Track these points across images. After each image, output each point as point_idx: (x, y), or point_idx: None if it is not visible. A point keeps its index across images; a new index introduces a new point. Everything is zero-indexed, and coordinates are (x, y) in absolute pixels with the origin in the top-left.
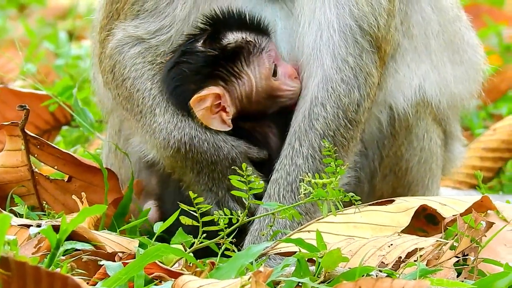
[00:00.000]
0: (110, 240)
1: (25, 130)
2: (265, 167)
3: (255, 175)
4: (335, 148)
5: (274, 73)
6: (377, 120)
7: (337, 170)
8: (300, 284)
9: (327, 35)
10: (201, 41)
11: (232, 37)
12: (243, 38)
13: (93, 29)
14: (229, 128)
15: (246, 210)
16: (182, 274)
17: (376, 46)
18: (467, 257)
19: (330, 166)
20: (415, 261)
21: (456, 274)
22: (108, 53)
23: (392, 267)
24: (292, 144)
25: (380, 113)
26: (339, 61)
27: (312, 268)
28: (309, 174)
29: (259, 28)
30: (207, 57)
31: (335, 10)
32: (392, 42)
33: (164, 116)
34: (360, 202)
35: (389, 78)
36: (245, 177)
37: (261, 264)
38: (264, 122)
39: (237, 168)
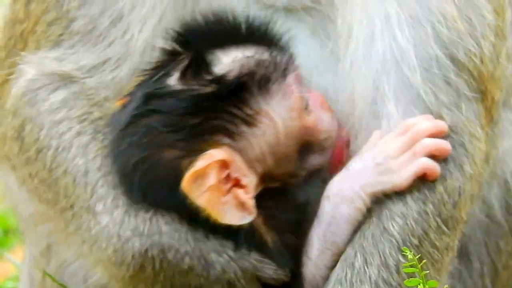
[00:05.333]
0: None
1: None
2: None
3: None
4: (422, 263)
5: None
6: (484, 203)
7: None
8: None
9: (399, 74)
10: (177, 75)
11: (230, 59)
12: (248, 57)
13: None
14: (252, 218)
15: None
16: None
17: (479, 89)
18: None
19: None
20: None
21: None
22: (11, 105)
23: None
24: (349, 260)
25: (488, 191)
26: None
27: None
28: None
29: (271, 40)
30: (193, 98)
31: (411, 29)
32: (504, 81)
33: (112, 214)
34: None
35: (500, 140)
36: None
37: None
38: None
39: None
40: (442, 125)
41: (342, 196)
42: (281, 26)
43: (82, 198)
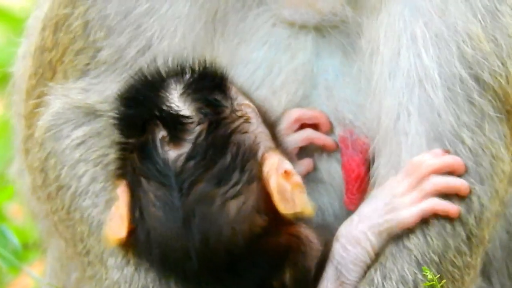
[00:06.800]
0: None
1: None
2: None
3: None
4: (442, 283)
5: None
6: (504, 219)
7: None
8: None
9: (422, 93)
10: (161, 143)
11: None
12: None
13: (15, 92)
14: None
15: None
16: None
17: (504, 110)
18: None
19: None
20: None
21: None
22: (37, 137)
23: None
24: (368, 277)
25: (510, 209)
26: None
27: None
28: None
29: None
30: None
31: (435, 48)
32: None
33: (122, 271)
34: None
35: None
36: None
37: None
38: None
39: None
40: (451, 161)
41: (349, 237)
42: (310, 44)
43: (96, 249)
